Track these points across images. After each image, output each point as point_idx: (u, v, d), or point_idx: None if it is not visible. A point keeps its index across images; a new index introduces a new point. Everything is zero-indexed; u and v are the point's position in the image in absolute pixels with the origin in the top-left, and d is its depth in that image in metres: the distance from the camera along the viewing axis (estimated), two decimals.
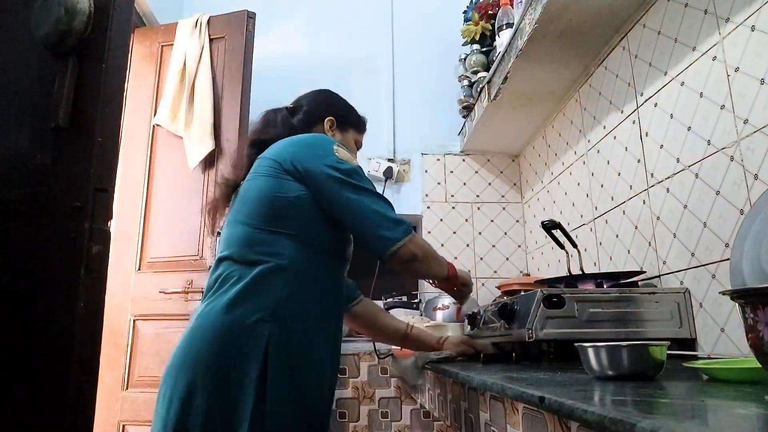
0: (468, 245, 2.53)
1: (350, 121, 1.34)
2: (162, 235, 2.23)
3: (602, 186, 1.71)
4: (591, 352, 0.74)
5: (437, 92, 2.72)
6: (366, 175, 1.12)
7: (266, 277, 1.00)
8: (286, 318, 0.99)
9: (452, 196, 2.59)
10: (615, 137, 1.62)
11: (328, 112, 1.30)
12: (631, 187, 1.52)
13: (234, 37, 2.34)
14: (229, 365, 0.95)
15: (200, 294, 2.03)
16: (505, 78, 1.85)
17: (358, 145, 1.36)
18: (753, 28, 1.05)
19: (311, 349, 1.02)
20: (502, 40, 2.03)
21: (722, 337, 1.12)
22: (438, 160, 2.63)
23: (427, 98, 2.72)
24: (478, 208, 2.58)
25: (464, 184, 2.61)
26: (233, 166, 1.23)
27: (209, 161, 2.23)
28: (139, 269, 2.21)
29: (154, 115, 2.34)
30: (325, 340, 1.07)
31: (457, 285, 1.25)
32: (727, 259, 1.06)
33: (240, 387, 0.93)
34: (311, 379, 1.01)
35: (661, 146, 1.36)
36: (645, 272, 1.40)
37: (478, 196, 2.60)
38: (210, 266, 2.09)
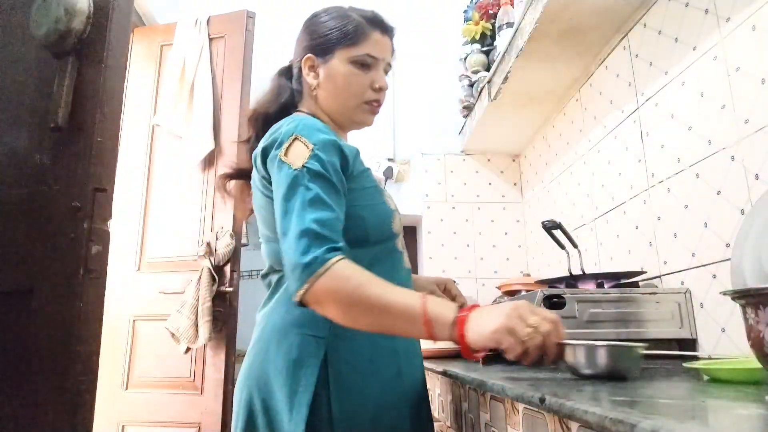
0: (468, 245, 2.52)
1: (332, 41, 0.98)
2: (161, 235, 2.23)
3: (603, 186, 1.71)
4: (568, 351, 0.73)
5: (437, 92, 2.72)
6: (325, 171, 0.84)
7: None
8: (343, 332, 0.83)
9: (452, 196, 2.59)
10: (615, 137, 1.61)
11: (306, 48, 1.00)
12: (631, 187, 1.52)
13: (234, 36, 2.34)
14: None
15: None
16: (506, 78, 1.85)
17: (363, 61, 0.98)
18: (754, 28, 1.05)
19: (370, 362, 0.88)
20: (503, 39, 2.03)
21: (723, 337, 1.12)
22: (438, 160, 2.62)
23: (427, 98, 2.72)
24: (479, 208, 2.58)
25: (464, 184, 2.61)
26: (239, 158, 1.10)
27: (209, 161, 2.23)
28: (138, 269, 2.21)
29: (154, 115, 2.34)
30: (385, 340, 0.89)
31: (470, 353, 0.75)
32: (728, 259, 1.06)
33: (293, 394, 0.84)
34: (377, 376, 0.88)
35: (662, 146, 1.36)
36: (646, 272, 1.40)
37: (478, 196, 2.60)
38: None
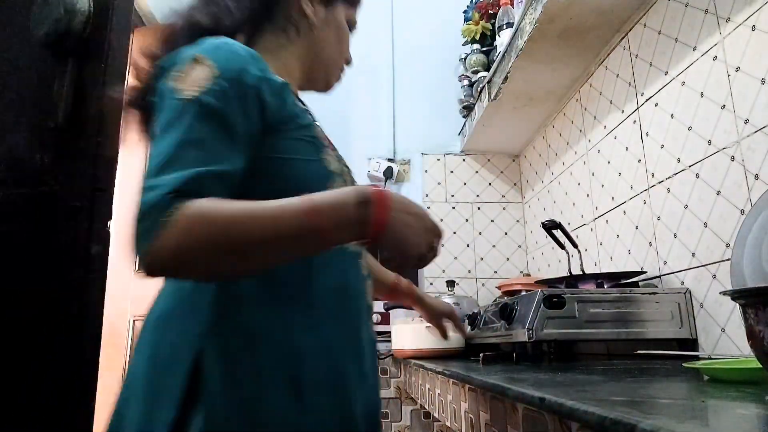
0: (468, 245, 2.52)
1: None
2: None
3: (603, 186, 1.71)
4: None
5: (437, 92, 2.72)
6: (225, 106, 0.62)
7: None
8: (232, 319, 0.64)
9: (452, 196, 2.59)
10: (615, 137, 1.61)
11: None
12: (631, 187, 1.52)
13: None
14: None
15: None
16: (506, 78, 1.85)
17: (352, 25, 0.92)
18: (753, 28, 1.05)
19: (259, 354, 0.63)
20: (503, 39, 2.03)
21: (723, 337, 1.12)
22: (438, 160, 2.62)
23: (427, 98, 2.72)
24: (479, 208, 2.58)
25: (464, 184, 2.61)
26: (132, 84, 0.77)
27: None
28: (138, 269, 2.21)
29: None
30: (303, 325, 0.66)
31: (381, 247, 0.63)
32: (728, 260, 1.06)
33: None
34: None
35: (662, 146, 1.36)
36: (645, 272, 1.40)
37: (478, 196, 2.59)
38: None
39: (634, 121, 1.50)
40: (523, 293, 1.38)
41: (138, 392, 0.63)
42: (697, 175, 1.21)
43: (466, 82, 2.42)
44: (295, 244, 0.60)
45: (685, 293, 1.22)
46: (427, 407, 1.61)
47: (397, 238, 0.62)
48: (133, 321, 2.15)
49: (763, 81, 1.02)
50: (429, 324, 1.19)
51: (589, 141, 1.81)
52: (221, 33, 0.71)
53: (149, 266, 0.55)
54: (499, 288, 2.19)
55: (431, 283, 2.43)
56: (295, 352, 0.63)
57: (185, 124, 0.60)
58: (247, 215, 0.57)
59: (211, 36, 0.70)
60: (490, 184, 2.61)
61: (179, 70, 0.63)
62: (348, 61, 0.92)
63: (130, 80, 0.76)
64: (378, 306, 2.12)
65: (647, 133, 1.43)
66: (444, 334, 1.14)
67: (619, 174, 1.59)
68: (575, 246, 1.48)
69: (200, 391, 0.59)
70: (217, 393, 0.59)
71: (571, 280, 1.37)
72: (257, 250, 0.58)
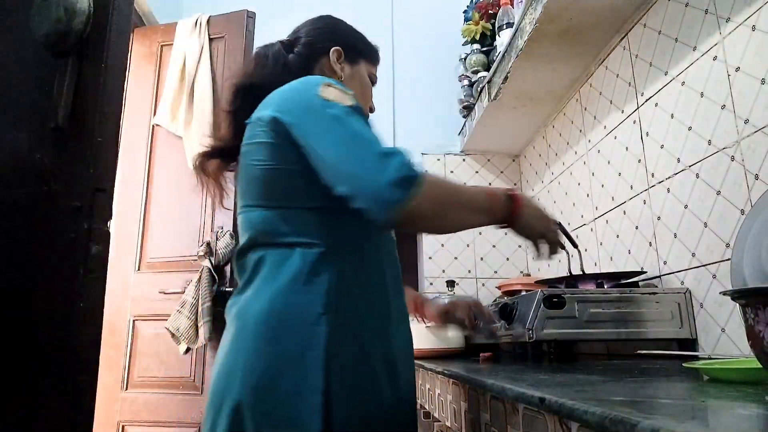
0: (468, 245, 2.52)
1: (361, 51, 1.06)
2: (162, 235, 2.23)
3: (603, 186, 1.71)
4: None
5: (437, 92, 2.72)
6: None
7: (310, 263, 0.80)
8: (343, 307, 0.79)
9: None
10: (615, 137, 1.61)
11: (333, 41, 1.02)
12: (631, 187, 1.52)
13: (234, 36, 2.34)
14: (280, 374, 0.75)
15: None
16: (506, 78, 1.85)
17: (373, 80, 1.08)
18: (753, 28, 1.05)
19: (375, 341, 0.82)
20: (503, 39, 2.03)
21: (723, 337, 1.12)
22: (438, 160, 2.62)
23: (427, 98, 2.72)
24: None
25: (464, 184, 2.60)
26: (217, 129, 0.98)
27: None
28: (138, 269, 2.21)
29: (154, 115, 2.34)
30: (384, 325, 0.86)
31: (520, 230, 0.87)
32: (728, 260, 1.06)
33: (298, 400, 0.74)
34: (380, 378, 0.82)
35: (662, 146, 1.36)
36: (646, 272, 1.40)
37: None
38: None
39: (634, 121, 1.50)
40: (523, 293, 1.38)
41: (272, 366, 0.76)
42: (697, 175, 1.21)
43: (466, 82, 2.42)
44: (477, 215, 0.82)
45: (685, 293, 1.22)
46: (427, 407, 1.61)
47: (524, 223, 0.87)
48: (133, 321, 2.15)
49: (763, 81, 1.02)
50: (429, 324, 1.19)
51: (589, 141, 1.81)
52: (272, 89, 0.88)
53: (406, 217, 0.72)
54: (499, 288, 2.19)
55: (431, 283, 2.43)
56: (385, 333, 0.85)
57: (360, 121, 0.78)
58: (457, 186, 0.87)
59: (260, 89, 0.90)
60: (490, 184, 2.61)
61: (321, 93, 0.80)
62: (372, 110, 1.07)
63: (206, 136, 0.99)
64: None
65: (647, 133, 1.43)
66: (467, 325, 1.18)
67: (619, 174, 1.59)
68: (575, 246, 1.47)
69: (331, 364, 0.76)
70: (343, 361, 0.77)
71: (571, 280, 1.37)
72: (462, 213, 0.81)
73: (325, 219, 0.83)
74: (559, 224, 1.19)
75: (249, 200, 0.87)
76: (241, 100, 0.93)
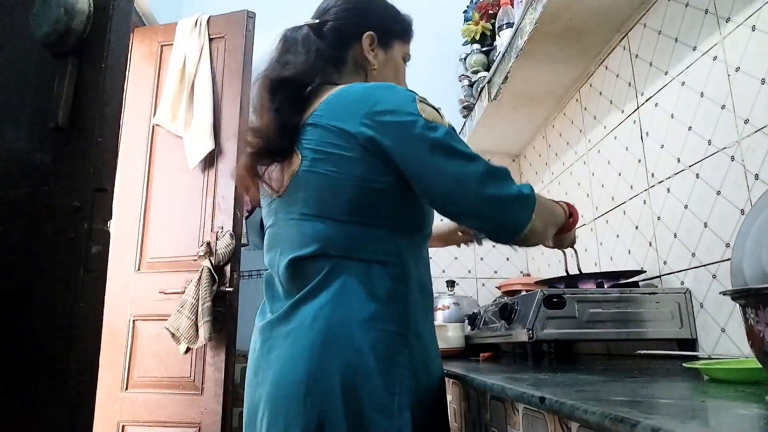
0: (468, 245, 2.52)
1: (395, 31, 1.01)
2: (162, 235, 2.23)
3: (603, 186, 1.71)
4: None
5: (437, 92, 2.71)
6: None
7: (386, 280, 0.83)
8: (416, 329, 0.85)
9: None
10: (615, 137, 1.61)
11: (365, 25, 0.97)
12: (631, 187, 1.52)
13: (234, 36, 2.34)
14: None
15: None
16: (506, 78, 1.85)
17: (406, 59, 1.04)
18: (753, 28, 1.05)
19: (438, 364, 0.91)
20: (503, 39, 2.03)
21: (723, 337, 1.12)
22: None
23: (427, 98, 2.71)
24: None
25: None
26: (257, 130, 0.89)
27: (209, 161, 2.23)
28: (138, 269, 2.21)
29: (154, 115, 2.34)
30: (436, 344, 0.94)
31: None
32: (728, 260, 1.06)
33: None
34: (439, 402, 0.89)
35: (662, 146, 1.36)
36: (645, 272, 1.40)
37: None
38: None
39: (634, 121, 1.50)
40: (523, 293, 1.38)
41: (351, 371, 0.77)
42: (697, 175, 1.21)
43: (466, 82, 2.42)
44: (558, 228, 0.96)
45: (685, 293, 1.22)
46: None
47: (572, 234, 1.05)
48: (133, 321, 2.15)
49: (763, 81, 1.02)
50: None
51: (589, 141, 1.81)
52: (309, 81, 0.90)
53: (528, 237, 0.83)
54: (499, 288, 2.19)
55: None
56: (437, 354, 0.93)
57: (460, 139, 0.83)
58: (552, 203, 0.97)
59: (298, 82, 0.90)
60: None
61: (421, 112, 0.82)
62: None
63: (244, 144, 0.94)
64: None
65: (647, 133, 1.43)
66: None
67: (619, 174, 1.59)
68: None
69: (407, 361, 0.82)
70: (413, 362, 0.83)
71: (571, 280, 1.37)
72: (552, 229, 0.94)
73: (399, 237, 0.87)
74: None
75: (316, 210, 0.84)
76: (279, 95, 0.88)
